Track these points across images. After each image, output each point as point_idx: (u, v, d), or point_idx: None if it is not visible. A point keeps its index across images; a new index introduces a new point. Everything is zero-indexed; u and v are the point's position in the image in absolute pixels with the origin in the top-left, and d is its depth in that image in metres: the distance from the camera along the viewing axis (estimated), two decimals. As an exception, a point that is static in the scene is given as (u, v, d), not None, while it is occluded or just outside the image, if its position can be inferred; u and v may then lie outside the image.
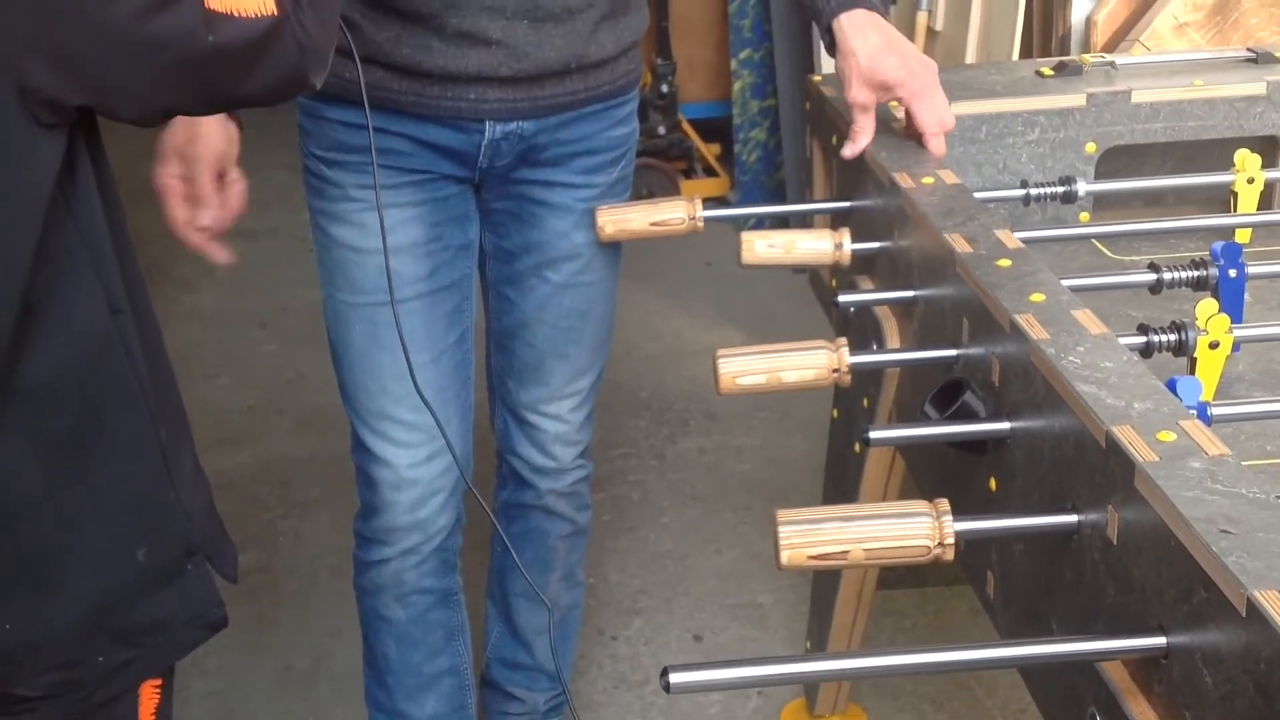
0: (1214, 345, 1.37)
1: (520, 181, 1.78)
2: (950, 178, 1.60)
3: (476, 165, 1.74)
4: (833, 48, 1.70)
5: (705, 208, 1.78)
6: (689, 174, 4.49)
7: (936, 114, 1.68)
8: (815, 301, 3.74)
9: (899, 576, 2.52)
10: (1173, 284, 1.50)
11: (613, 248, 1.86)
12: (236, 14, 1.12)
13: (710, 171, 4.53)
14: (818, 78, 2.00)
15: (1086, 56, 2.00)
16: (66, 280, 1.15)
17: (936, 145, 1.69)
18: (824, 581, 2.12)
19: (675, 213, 1.78)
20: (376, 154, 1.66)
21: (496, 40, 1.64)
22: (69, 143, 1.13)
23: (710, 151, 4.54)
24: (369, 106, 1.63)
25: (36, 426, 1.15)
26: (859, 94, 1.68)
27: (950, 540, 1.08)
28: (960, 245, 1.41)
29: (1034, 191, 1.76)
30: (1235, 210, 1.76)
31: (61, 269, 1.15)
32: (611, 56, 1.74)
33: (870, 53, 1.65)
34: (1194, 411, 1.15)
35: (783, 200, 4.13)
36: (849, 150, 1.73)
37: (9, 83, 1.05)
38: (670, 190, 4.27)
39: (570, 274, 1.84)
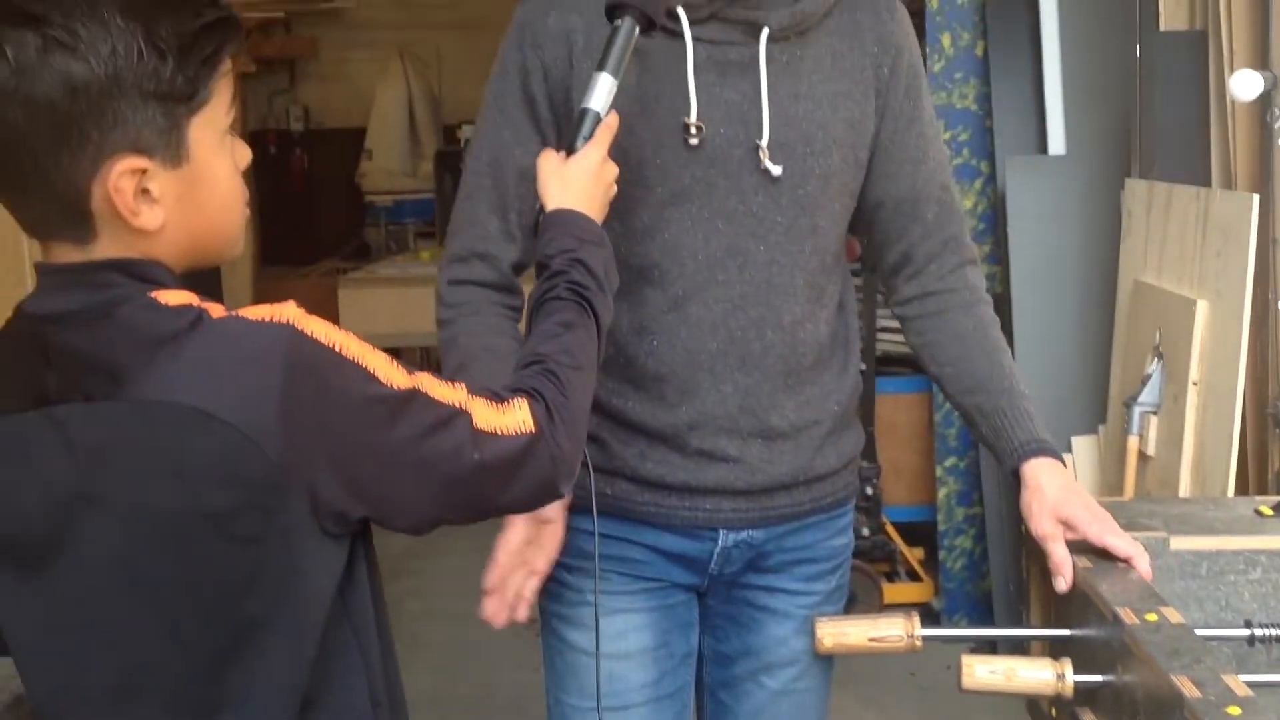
0: None
1: (745, 586, 1.86)
2: (1174, 615, 1.61)
3: (707, 572, 1.83)
4: (1017, 485, 1.80)
5: (923, 625, 1.80)
6: (891, 577, 4.48)
7: (1129, 540, 1.73)
8: None
9: None
10: None
11: (827, 655, 1.90)
12: (500, 432, 1.24)
13: (914, 575, 4.51)
14: (1033, 502, 2.05)
15: (1306, 499, 2.01)
16: (338, 676, 1.23)
17: (1144, 565, 1.73)
18: None
19: (894, 630, 1.80)
20: (616, 563, 1.77)
21: (734, 458, 1.77)
22: (350, 549, 1.25)
23: (914, 555, 4.55)
24: (612, 517, 1.75)
25: None
26: (1047, 525, 1.74)
27: None
28: (1189, 689, 1.41)
29: (1259, 632, 1.74)
30: None
31: (335, 666, 1.23)
32: (834, 470, 1.85)
33: (1056, 490, 1.75)
34: None
35: (989, 610, 4.09)
36: (1062, 585, 1.76)
37: (304, 498, 1.17)
38: (873, 593, 4.27)
39: (787, 680, 1.88)
